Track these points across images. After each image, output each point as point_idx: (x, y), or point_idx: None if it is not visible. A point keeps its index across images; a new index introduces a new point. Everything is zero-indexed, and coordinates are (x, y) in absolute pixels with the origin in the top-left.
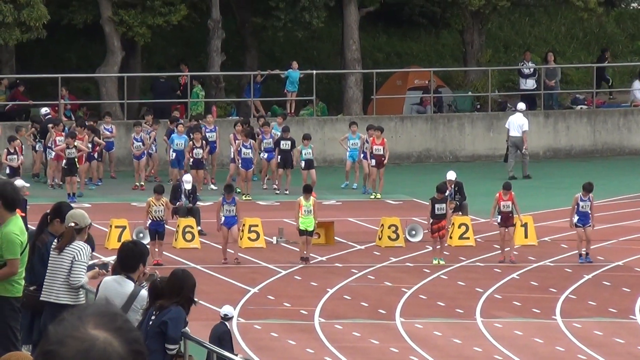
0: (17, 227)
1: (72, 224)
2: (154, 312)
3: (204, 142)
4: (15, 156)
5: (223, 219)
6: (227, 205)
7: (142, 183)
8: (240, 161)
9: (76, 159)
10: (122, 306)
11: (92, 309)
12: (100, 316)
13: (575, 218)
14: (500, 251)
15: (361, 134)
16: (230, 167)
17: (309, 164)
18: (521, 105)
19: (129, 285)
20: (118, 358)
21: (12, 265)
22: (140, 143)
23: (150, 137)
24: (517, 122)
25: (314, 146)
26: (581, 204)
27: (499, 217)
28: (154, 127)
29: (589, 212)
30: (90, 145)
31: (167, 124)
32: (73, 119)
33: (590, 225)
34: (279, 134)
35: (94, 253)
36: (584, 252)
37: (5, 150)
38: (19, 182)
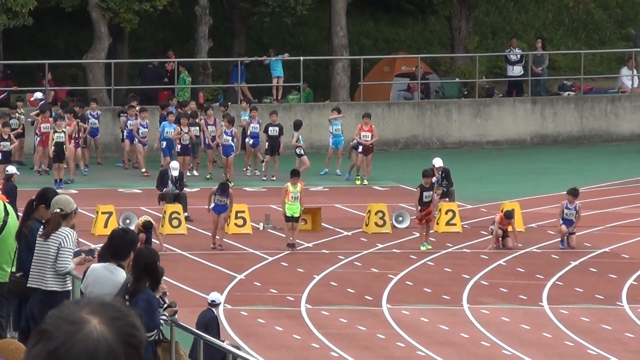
0: None
1: (58, 210)
2: (125, 297)
3: (190, 127)
4: (8, 142)
5: (213, 204)
6: (220, 196)
7: (144, 169)
8: (222, 148)
9: (64, 144)
10: (115, 294)
11: (93, 298)
12: (98, 305)
13: (560, 221)
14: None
15: (342, 120)
16: (207, 153)
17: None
18: None
19: (121, 274)
20: (106, 345)
21: None
22: (147, 129)
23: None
24: None
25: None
26: (566, 211)
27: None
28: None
29: (574, 220)
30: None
31: (160, 110)
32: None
33: (573, 232)
34: (247, 119)
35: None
36: (565, 238)
37: None
38: (10, 168)
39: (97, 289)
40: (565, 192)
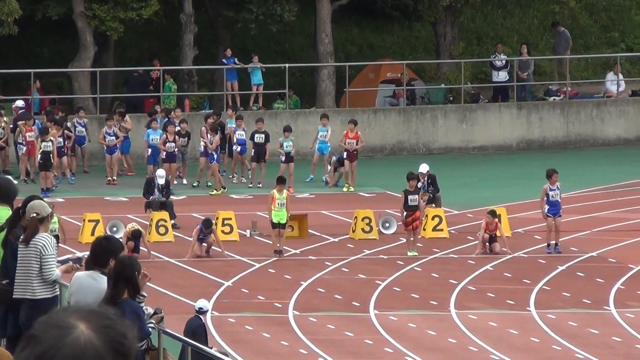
0: None
1: (34, 215)
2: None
3: (176, 136)
4: None
5: (199, 236)
6: (203, 235)
7: (115, 177)
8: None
9: (51, 153)
10: (99, 302)
11: (82, 306)
12: (87, 312)
13: (546, 208)
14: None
15: (330, 127)
16: (200, 161)
17: (290, 157)
18: None
19: (105, 281)
20: (93, 351)
21: None
22: (114, 137)
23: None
24: None
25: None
26: (551, 193)
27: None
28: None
29: (559, 200)
30: (61, 140)
31: (147, 118)
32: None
33: (560, 215)
34: (233, 127)
35: (60, 245)
36: (552, 243)
37: None
38: None
39: (81, 296)
40: (546, 176)
